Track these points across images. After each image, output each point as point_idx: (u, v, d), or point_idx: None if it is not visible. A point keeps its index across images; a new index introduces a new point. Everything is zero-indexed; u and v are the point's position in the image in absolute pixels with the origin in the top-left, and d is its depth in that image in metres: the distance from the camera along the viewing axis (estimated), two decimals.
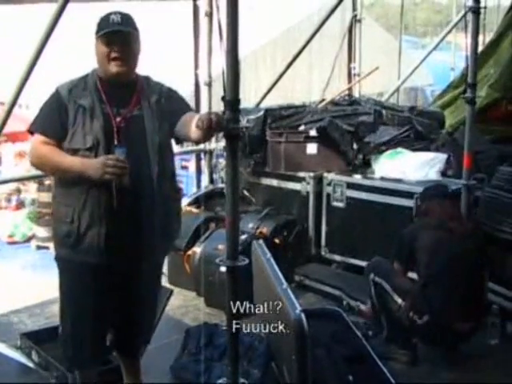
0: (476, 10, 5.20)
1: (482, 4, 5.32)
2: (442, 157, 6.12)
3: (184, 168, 11.86)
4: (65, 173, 3.46)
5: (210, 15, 6.77)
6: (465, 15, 6.45)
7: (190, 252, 5.84)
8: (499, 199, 5.37)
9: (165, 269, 6.18)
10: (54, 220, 3.62)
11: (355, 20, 8.78)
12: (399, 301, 4.67)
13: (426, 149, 6.66)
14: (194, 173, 7.87)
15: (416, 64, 9.98)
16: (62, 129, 3.42)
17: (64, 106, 3.42)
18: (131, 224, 3.45)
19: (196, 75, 6.96)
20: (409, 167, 5.97)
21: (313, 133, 6.35)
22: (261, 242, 4.68)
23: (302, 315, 3.42)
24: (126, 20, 3.45)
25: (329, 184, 6.22)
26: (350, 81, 9.01)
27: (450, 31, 8.89)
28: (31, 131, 3.53)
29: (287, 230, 6.11)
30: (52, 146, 3.42)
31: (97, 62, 3.50)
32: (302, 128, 6.42)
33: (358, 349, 4.38)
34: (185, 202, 6.53)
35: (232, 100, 3.32)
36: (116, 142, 3.41)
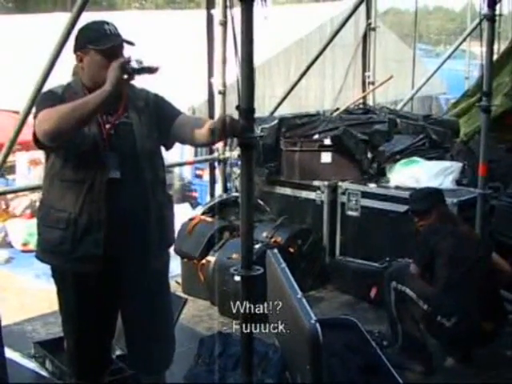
0: (491, 18, 5.19)
1: (497, 12, 5.31)
2: (456, 166, 6.10)
3: (198, 177, 11.91)
4: (90, 110, 3.18)
5: (224, 24, 6.78)
6: (480, 23, 6.44)
7: (203, 261, 5.83)
8: None
9: (179, 278, 6.21)
10: (44, 226, 3.45)
11: (369, 28, 8.77)
12: (425, 307, 4.64)
13: (441, 157, 6.65)
14: (207, 181, 7.87)
15: (430, 73, 9.97)
16: None
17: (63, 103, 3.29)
18: (127, 231, 3.37)
19: (210, 84, 6.97)
20: (424, 176, 5.95)
21: (327, 141, 6.34)
22: (275, 251, 4.65)
23: (317, 325, 3.39)
24: (117, 29, 3.39)
25: (343, 193, 6.21)
26: (364, 89, 9.00)
27: (464, 39, 8.87)
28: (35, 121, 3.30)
29: (302, 239, 6.09)
30: None
31: (85, 72, 3.38)
32: (316, 137, 6.42)
33: (372, 358, 4.35)
34: (199, 210, 6.55)
35: (247, 109, 3.31)
36: (106, 148, 3.34)
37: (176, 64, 8.86)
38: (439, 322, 4.56)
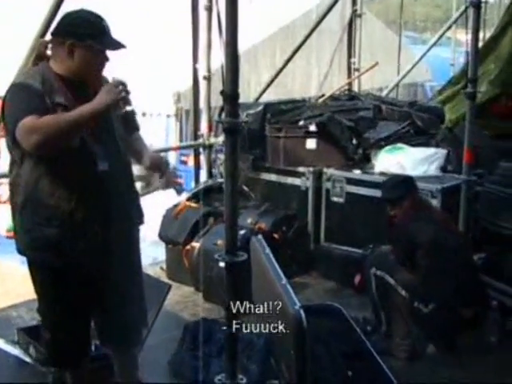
0: (477, 5, 5.18)
1: None
2: (442, 152, 6.10)
3: (183, 163, 11.84)
4: (80, 126, 3.18)
5: (209, 9, 6.75)
6: (465, 10, 6.45)
7: (188, 247, 5.81)
8: (499, 195, 5.36)
9: (163, 264, 6.19)
10: (33, 223, 3.31)
11: (355, 15, 8.75)
12: (403, 293, 4.66)
13: (426, 144, 6.65)
14: (192, 168, 7.84)
15: (415, 60, 9.97)
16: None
17: (42, 97, 3.18)
18: (118, 221, 3.40)
19: (195, 69, 6.93)
20: (409, 162, 5.95)
21: (312, 128, 6.32)
22: (260, 237, 4.65)
23: (301, 311, 3.39)
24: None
25: (328, 179, 6.20)
26: (349, 76, 8.99)
27: (449, 27, 8.87)
28: (13, 126, 3.12)
29: (286, 226, 6.08)
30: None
31: (70, 63, 3.28)
32: (301, 123, 6.40)
33: (357, 345, 4.35)
34: (184, 196, 6.52)
35: (231, 94, 3.31)
36: (92, 142, 3.31)
37: (160, 49, 8.80)
38: (417, 308, 4.58)
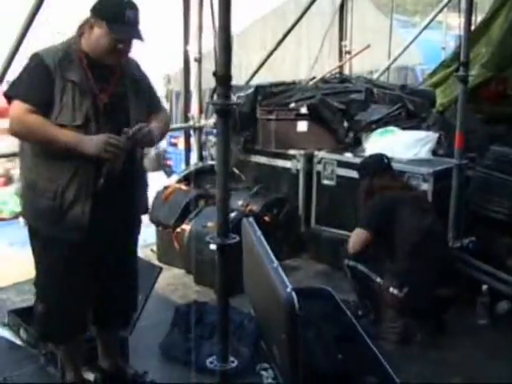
0: None
1: None
2: (433, 136, 6.09)
3: (173, 145, 11.82)
4: (55, 145, 3.30)
5: None
6: None
7: (179, 229, 5.79)
8: (490, 179, 5.37)
9: (154, 246, 6.18)
10: (32, 193, 3.46)
11: None
12: (378, 279, 4.67)
13: (417, 127, 6.65)
14: (182, 150, 7.81)
15: (406, 43, 9.94)
16: (49, 100, 3.29)
17: (51, 77, 3.29)
18: (115, 201, 3.47)
19: (186, 51, 6.88)
20: (400, 146, 5.94)
21: (303, 110, 6.30)
22: (251, 219, 4.64)
23: (293, 294, 3.38)
24: (138, 16, 3.37)
25: (319, 162, 6.19)
26: (340, 58, 8.95)
27: (441, 10, 8.82)
28: (10, 96, 3.36)
29: (277, 208, 6.07)
30: (39, 115, 3.28)
31: (90, 41, 3.38)
32: (292, 105, 6.37)
33: (347, 328, 4.35)
34: (174, 178, 6.51)
35: (223, 76, 3.28)
36: (101, 121, 3.36)
37: (151, 32, 8.70)
38: (391, 293, 4.59)
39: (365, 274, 4.71)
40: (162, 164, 11.95)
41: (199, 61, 6.81)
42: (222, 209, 3.32)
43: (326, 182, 6.17)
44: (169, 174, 10.32)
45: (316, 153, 6.22)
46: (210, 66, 6.90)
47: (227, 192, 3.43)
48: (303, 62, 10.89)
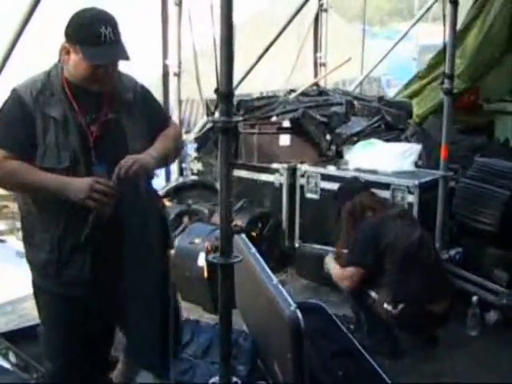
0: (454, 1, 5.18)
1: None
2: (416, 147, 6.12)
3: None
4: (37, 191, 2.95)
5: (179, 4, 6.66)
6: (431, 6, 6.41)
7: None
8: (475, 190, 5.39)
9: None
10: (28, 245, 3.13)
11: (321, 9, 8.72)
12: (373, 294, 4.66)
13: (397, 139, 6.67)
14: None
15: (374, 53, 10.00)
16: (29, 144, 2.91)
17: (30, 116, 2.91)
18: (120, 246, 3.03)
19: (165, 65, 6.84)
20: (384, 158, 5.94)
21: (286, 124, 6.29)
22: (243, 235, 4.62)
23: (298, 312, 3.36)
24: (117, 32, 2.90)
25: (302, 175, 6.17)
26: (316, 70, 8.96)
27: (418, 20, 8.88)
28: None
29: (262, 223, 6.04)
30: (18, 160, 2.90)
31: (68, 66, 2.96)
32: (274, 119, 6.36)
33: (345, 343, 4.35)
34: None
35: (226, 92, 3.25)
36: (94, 157, 2.95)
37: (129, 44, 8.65)
38: (386, 309, 4.58)
39: (360, 287, 4.70)
40: None
41: (178, 75, 6.77)
42: (225, 228, 3.27)
43: (309, 195, 6.15)
44: None
45: (299, 166, 6.20)
46: (187, 79, 6.88)
47: (230, 210, 3.38)
48: (278, 73, 10.86)
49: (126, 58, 2.96)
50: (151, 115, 3.19)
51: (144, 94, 3.22)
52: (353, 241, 4.82)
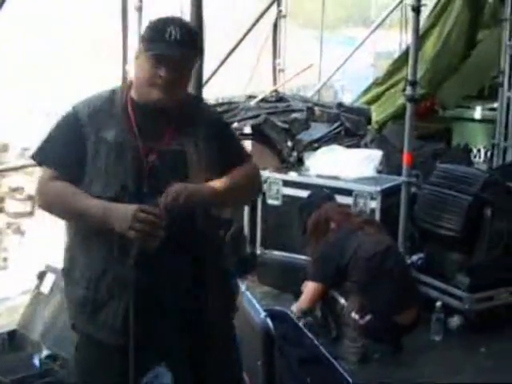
0: (416, 9, 5.22)
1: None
2: (377, 153, 6.15)
3: None
4: (81, 218, 2.63)
5: (139, 9, 6.59)
6: (391, 12, 6.42)
7: None
8: (437, 196, 5.42)
9: None
10: (67, 279, 2.81)
11: (280, 16, 8.70)
12: (342, 301, 4.67)
13: (357, 145, 6.70)
14: None
15: (329, 59, 10.04)
16: (78, 166, 2.62)
17: (83, 136, 2.62)
18: (164, 294, 2.66)
19: (125, 71, 6.75)
20: (346, 164, 5.95)
21: (247, 130, 6.27)
22: None
23: (268, 320, 3.35)
24: (187, 35, 2.63)
25: (264, 182, 6.13)
26: (274, 77, 8.93)
27: (377, 27, 8.93)
28: (37, 162, 2.76)
29: (224, 229, 5.97)
30: (65, 182, 2.62)
31: (134, 80, 2.68)
32: (235, 125, 6.32)
33: (311, 350, 4.32)
34: None
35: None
36: (146, 188, 2.60)
37: (90, 50, 8.60)
38: (353, 319, 4.60)
39: (331, 293, 4.69)
40: None
41: None
42: None
43: (271, 201, 6.12)
44: None
45: (261, 172, 6.14)
46: None
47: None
48: (234, 79, 10.84)
49: (187, 56, 2.67)
50: (224, 152, 2.76)
51: (221, 128, 2.88)
52: (316, 256, 4.85)
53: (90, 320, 2.71)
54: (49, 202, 2.70)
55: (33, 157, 2.76)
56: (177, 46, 2.58)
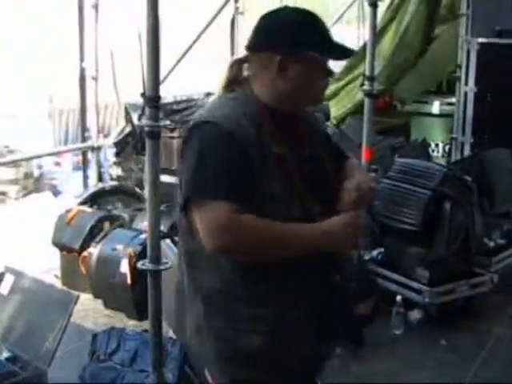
0: (373, 4, 5.25)
1: None
2: None
3: (57, 164, 11.51)
4: (291, 249, 2.27)
5: (96, 7, 6.54)
6: (349, 7, 6.49)
7: (85, 253, 5.59)
8: (396, 190, 5.43)
9: (57, 271, 5.95)
10: (226, 328, 2.38)
11: (237, 12, 8.67)
12: None
13: None
14: (67, 169, 7.66)
15: None
16: (250, 190, 2.23)
17: (249, 155, 2.24)
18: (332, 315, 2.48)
19: (82, 69, 6.70)
20: None
21: None
22: (168, 241, 4.58)
23: None
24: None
25: None
26: None
27: (336, 22, 8.96)
28: (199, 199, 2.23)
29: None
30: (248, 214, 2.19)
31: (276, 86, 2.33)
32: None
33: None
34: (75, 201, 6.33)
35: (152, 96, 3.23)
36: (310, 200, 2.33)
37: (46, 47, 8.51)
38: None
39: None
40: (45, 184, 11.64)
41: (95, 78, 6.64)
42: (152, 234, 3.23)
43: None
44: (56, 194, 10.07)
45: None
46: (104, 83, 6.77)
47: (158, 217, 3.35)
48: (192, 75, 10.80)
49: (352, 52, 2.49)
50: (333, 150, 2.58)
51: (322, 127, 2.82)
52: None
53: (277, 365, 2.39)
54: (239, 239, 2.18)
55: (191, 195, 2.25)
56: (340, 47, 2.39)
